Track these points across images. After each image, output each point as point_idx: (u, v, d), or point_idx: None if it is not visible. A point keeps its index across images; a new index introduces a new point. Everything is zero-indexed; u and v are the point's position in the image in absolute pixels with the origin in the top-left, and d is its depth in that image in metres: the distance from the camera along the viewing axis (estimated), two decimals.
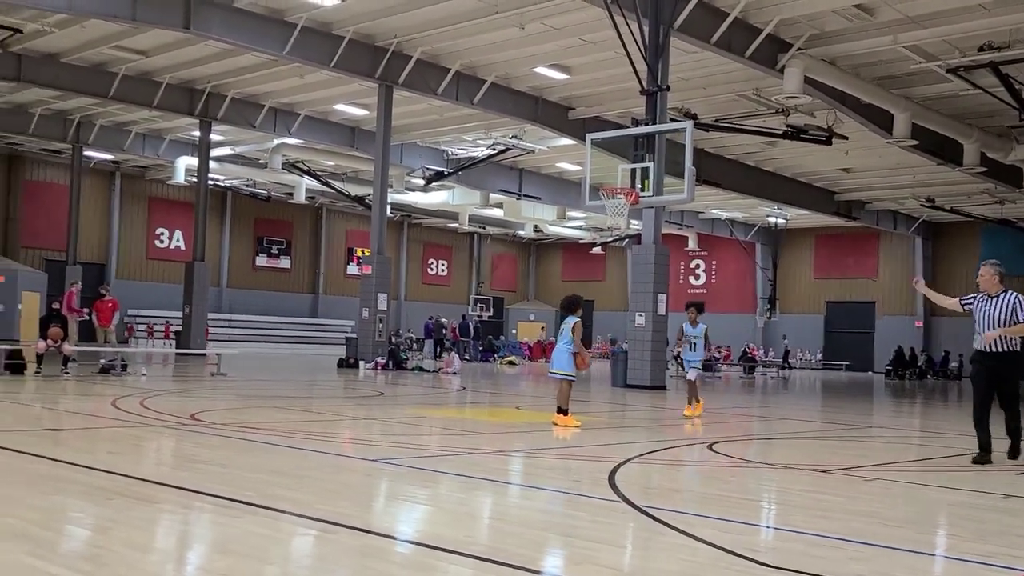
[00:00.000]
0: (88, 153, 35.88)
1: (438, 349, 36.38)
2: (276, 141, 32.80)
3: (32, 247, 39.03)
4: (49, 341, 17.53)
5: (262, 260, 47.13)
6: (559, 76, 24.92)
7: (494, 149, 32.79)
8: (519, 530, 5.27)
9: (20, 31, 22.06)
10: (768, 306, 46.83)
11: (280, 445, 8.39)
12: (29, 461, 6.97)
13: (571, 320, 11.24)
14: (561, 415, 11.06)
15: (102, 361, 18.61)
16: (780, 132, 26.28)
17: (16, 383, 15.41)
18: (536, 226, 49.35)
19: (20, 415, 11.01)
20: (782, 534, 5.56)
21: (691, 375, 13.89)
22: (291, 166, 34.47)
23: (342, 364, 25.96)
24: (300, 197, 39.19)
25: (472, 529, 5.35)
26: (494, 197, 39.65)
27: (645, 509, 5.81)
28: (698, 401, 13.75)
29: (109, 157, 38.36)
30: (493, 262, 57.57)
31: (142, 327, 40.94)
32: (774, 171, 35.22)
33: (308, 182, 37.17)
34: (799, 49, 20.63)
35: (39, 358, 17.55)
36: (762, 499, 6.92)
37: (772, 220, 45.03)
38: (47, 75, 25.96)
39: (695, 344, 13.87)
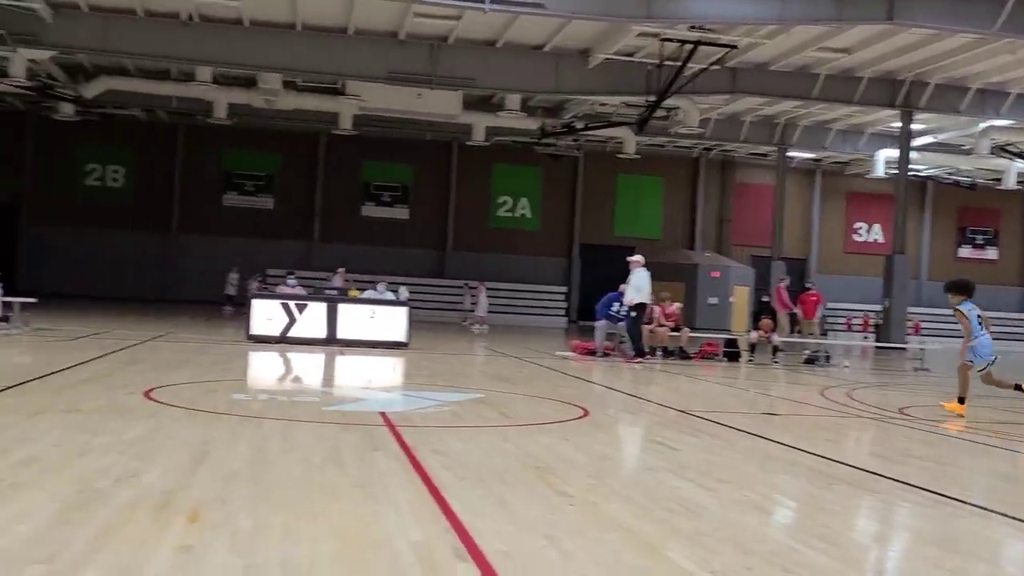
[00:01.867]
0: (791, 153, 37.70)
1: None
2: (983, 125, 30.77)
3: (741, 244, 42.36)
4: (761, 332, 18.91)
5: (965, 251, 44.63)
6: None
7: None
8: None
9: (735, 47, 24.13)
10: None
11: (993, 446, 7.98)
12: (754, 441, 7.71)
13: None
14: None
15: (806, 352, 19.51)
16: None
17: (732, 369, 16.96)
18: None
19: (739, 399, 12.14)
20: None
21: None
22: (1000, 150, 32.02)
23: None
24: (1010, 182, 36.17)
25: None
26: None
27: None
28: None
29: (810, 156, 39.86)
30: None
31: (840, 320, 41.64)
32: None
33: (1020, 165, 34.13)
34: None
35: (752, 347, 19.03)
36: None
37: None
38: (757, 84, 27.95)
39: None
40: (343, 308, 17.33)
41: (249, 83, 29.60)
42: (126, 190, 39.08)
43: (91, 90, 29.67)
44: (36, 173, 38.28)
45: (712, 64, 24.91)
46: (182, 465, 5.27)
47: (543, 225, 41.98)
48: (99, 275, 36.90)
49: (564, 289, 40.24)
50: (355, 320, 17.13)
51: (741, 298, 37.20)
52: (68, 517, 4.02)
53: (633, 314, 16.57)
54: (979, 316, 10.10)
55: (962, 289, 10.23)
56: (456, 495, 4.83)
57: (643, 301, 16.61)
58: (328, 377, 12.14)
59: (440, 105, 29.24)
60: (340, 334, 16.85)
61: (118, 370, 10.52)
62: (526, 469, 5.71)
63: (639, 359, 16.44)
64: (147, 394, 8.35)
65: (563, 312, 39.38)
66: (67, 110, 31.73)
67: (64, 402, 7.61)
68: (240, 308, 29.65)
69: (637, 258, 16.85)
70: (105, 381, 9.36)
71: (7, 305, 16.78)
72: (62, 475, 4.87)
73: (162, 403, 7.84)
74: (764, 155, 40.11)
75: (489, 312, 28.45)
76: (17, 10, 22.32)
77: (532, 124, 32.72)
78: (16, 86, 27.19)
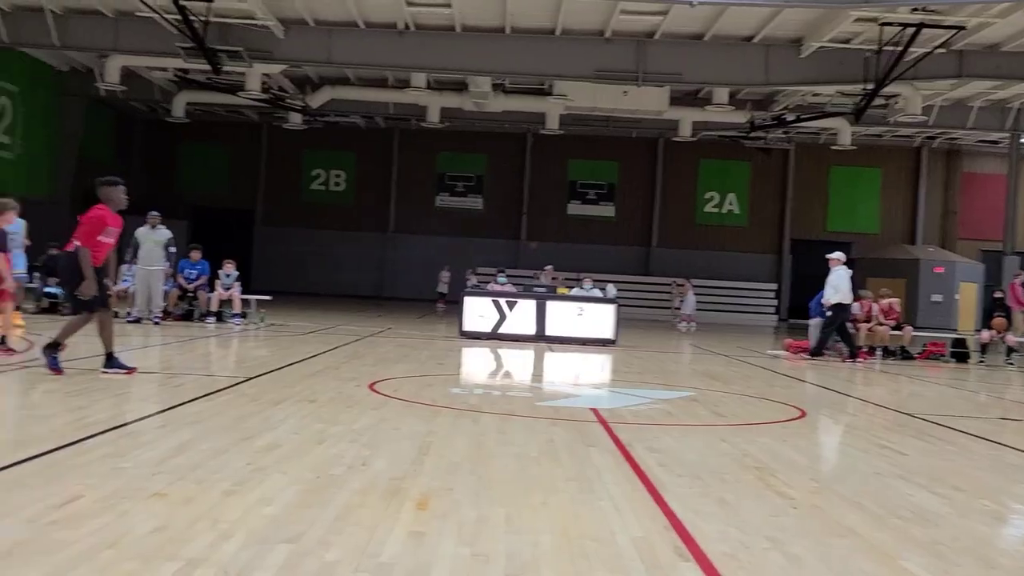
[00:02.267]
0: None
1: None
2: None
3: (969, 238, 39.60)
4: (994, 331, 17.63)
5: None
6: None
7: None
8: None
9: (963, 28, 22.58)
10: None
11: None
12: (989, 447, 7.20)
13: None
14: None
15: None
16: None
17: (960, 371, 15.90)
18: None
19: (969, 402, 11.36)
20: None
21: None
22: None
23: None
24: None
25: None
26: None
27: None
28: None
29: None
30: None
31: None
32: None
33: None
34: None
35: (982, 348, 17.76)
36: None
37: None
38: (987, 66, 26.00)
39: None
40: (552, 305, 17.56)
41: (460, 87, 30.53)
42: (346, 193, 41.27)
43: (316, 100, 31.52)
44: (268, 179, 41.14)
45: (936, 47, 23.41)
46: (408, 455, 5.51)
47: (752, 221, 40.88)
48: (321, 273, 39.20)
49: (774, 286, 39.02)
50: (563, 317, 17.33)
51: (968, 295, 34.81)
52: (308, 500, 4.30)
53: (829, 313, 16.01)
54: None
55: None
56: (674, 493, 4.80)
57: (841, 301, 15.97)
58: (539, 373, 12.35)
59: (646, 102, 29.05)
60: (549, 331, 17.09)
61: (344, 363, 11.12)
62: (744, 470, 5.59)
63: (856, 358, 15.78)
64: (371, 387, 8.79)
65: (773, 310, 38.19)
66: (295, 119, 33.86)
67: (299, 393, 8.13)
68: (452, 305, 30.69)
69: (837, 255, 16.31)
70: (334, 373, 9.92)
71: (245, 302, 18.11)
72: (301, 461, 5.21)
73: (385, 395, 8.22)
74: (995, 142, 37.25)
75: (697, 310, 28.01)
76: (254, 29, 24.06)
77: (740, 118, 31.92)
78: (252, 99, 29.30)
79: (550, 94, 30.26)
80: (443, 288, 32.03)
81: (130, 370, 8.60)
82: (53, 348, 8.12)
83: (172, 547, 3.44)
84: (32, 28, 25.05)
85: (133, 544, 3.46)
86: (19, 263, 13.53)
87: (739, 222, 40.88)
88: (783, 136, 35.74)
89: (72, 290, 8.37)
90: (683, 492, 4.86)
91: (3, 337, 9.78)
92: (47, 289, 16.04)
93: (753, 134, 33.61)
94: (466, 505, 4.36)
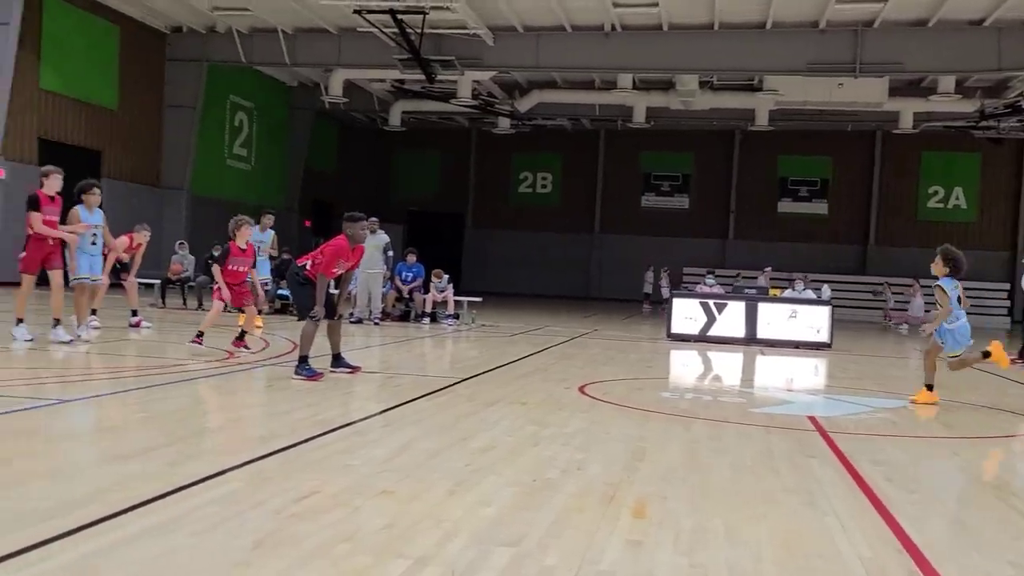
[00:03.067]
0: None
1: None
2: None
3: None
4: None
5: None
6: None
7: None
8: None
9: None
10: None
11: None
12: None
13: None
14: None
15: None
16: None
17: None
18: None
19: None
20: None
21: None
22: None
23: None
24: None
25: None
26: None
27: None
28: None
29: None
30: None
31: None
32: None
33: None
34: None
35: None
36: None
37: None
38: None
39: None
40: (763, 307, 17.08)
41: (667, 86, 30.26)
42: (553, 195, 41.81)
43: (524, 104, 32.13)
44: (477, 183, 42.35)
45: None
46: (621, 460, 5.52)
47: (981, 216, 38.17)
48: (528, 274, 39.91)
49: (1006, 286, 36.23)
50: (775, 319, 16.82)
51: None
52: (525, 503, 4.39)
53: None
54: (959, 296, 8.89)
55: (950, 263, 8.78)
56: (904, 512, 4.56)
57: None
58: (750, 377, 12.04)
59: (863, 93, 27.71)
60: (760, 334, 16.64)
61: (553, 365, 11.27)
62: (981, 487, 5.24)
63: None
64: (581, 389, 8.86)
65: (1005, 311, 35.48)
66: (504, 124, 34.66)
67: (511, 394, 8.32)
68: (656, 306, 30.44)
69: None
70: (543, 375, 10.08)
71: (457, 303, 18.71)
72: (516, 463, 5.33)
73: (595, 398, 8.27)
74: None
75: (926, 311, 26.41)
76: (465, 38, 24.85)
77: (969, 107, 29.88)
78: (464, 106, 30.27)
79: (759, 89, 29.47)
80: (648, 288, 31.86)
81: (354, 369, 9.08)
82: (303, 362, 8.62)
83: (400, 544, 3.61)
84: (266, 48, 26.93)
85: (365, 539, 3.66)
86: (264, 270, 14.90)
87: (967, 218, 38.30)
88: (1018, 124, 33.13)
89: (302, 308, 8.96)
90: (914, 511, 4.60)
91: (243, 332, 10.58)
92: (279, 292, 17.20)
93: (983, 124, 31.39)
94: (682, 514, 4.32)
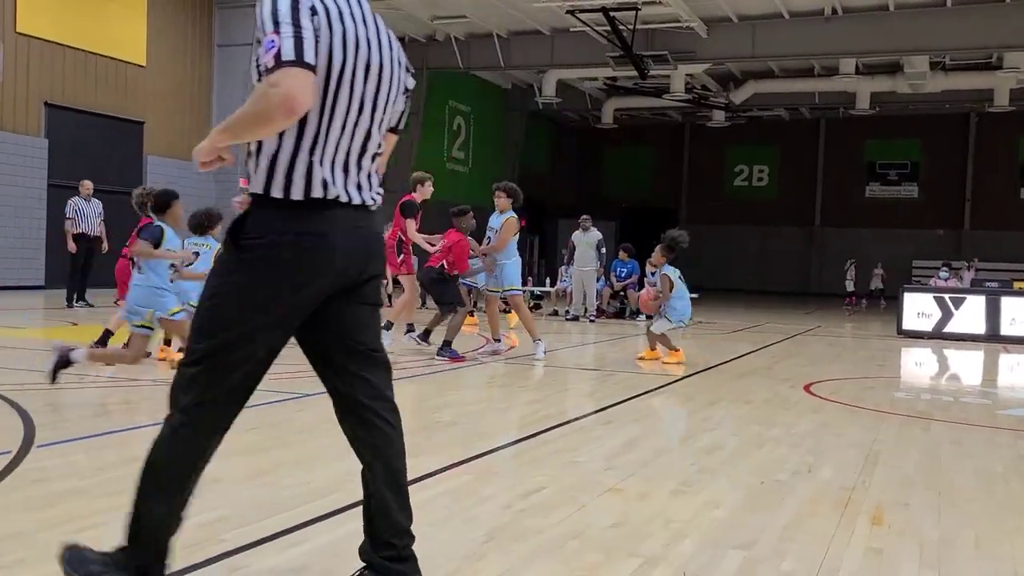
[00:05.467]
0: None
1: None
2: None
3: None
4: None
5: None
6: None
7: None
8: None
9: None
10: None
11: None
12: None
13: None
14: None
15: None
16: None
17: None
18: None
19: None
20: None
21: None
22: None
23: None
24: None
25: None
26: None
27: None
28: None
29: None
30: None
31: None
32: None
33: None
34: None
35: None
36: None
37: None
38: None
39: None
40: (1007, 301, 15.83)
41: (893, 69, 28.63)
42: (770, 187, 40.55)
43: (739, 96, 31.33)
44: (691, 178, 41.72)
45: None
46: (854, 463, 5.27)
47: None
48: (745, 269, 38.88)
49: None
50: (1021, 315, 15.55)
51: None
52: (755, 505, 4.28)
53: None
54: (680, 276, 10.52)
55: (670, 250, 10.28)
56: None
57: None
58: (993, 377, 11.20)
59: None
60: (1003, 330, 15.44)
61: (776, 363, 10.93)
62: None
63: None
64: (807, 388, 8.54)
65: None
66: (718, 117, 33.94)
67: (733, 393, 8.13)
68: (862, 301, 28.82)
69: None
70: (766, 373, 9.79)
71: None
72: (743, 464, 5.20)
73: (822, 398, 7.95)
74: None
75: None
76: (678, 31, 24.54)
77: None
78: (676, 100, 29.88)
79: (998, 68, 27.33)
80: (851, 286, 29.93)
81: (460, 358, 9.60)
82: (447, 346, 9.65)
83: (630, 543, 3.61)
84: (482, 53, 27.68)
85: (595, 536, 3.68)
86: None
87: None
88: None
89: (449, 302, 10.20)
90: None
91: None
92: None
93: None
94: (926, 523, 4.08)
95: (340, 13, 2.66)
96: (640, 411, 7.02)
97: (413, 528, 2.92)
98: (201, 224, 8.28)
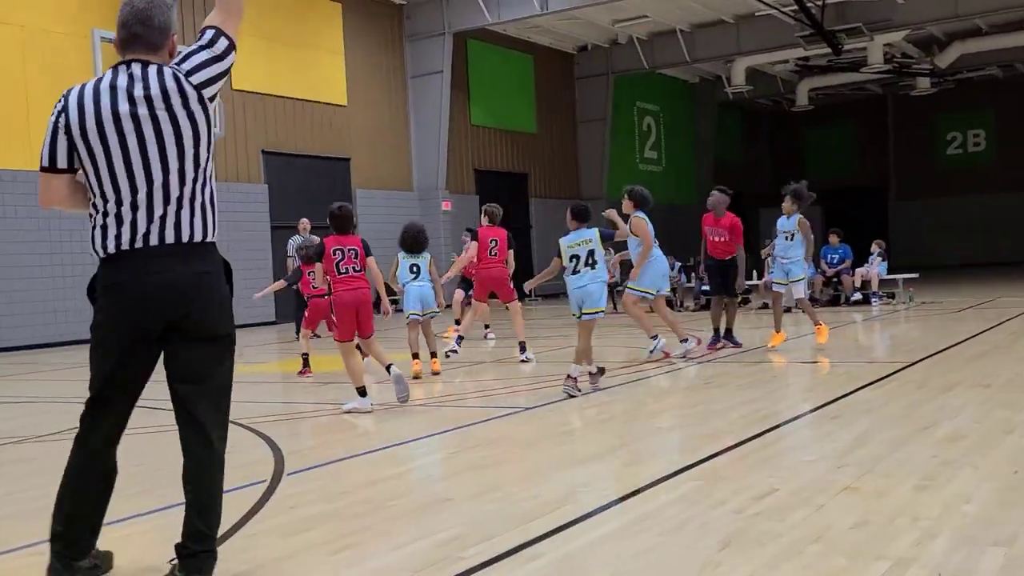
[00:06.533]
0: None
1: None
2: None
3: None
4: None
5: None
6: None
7: None
8: None
9: None
10: None
11: None
12: None
13: None
14: None
15: None
16: None
17: None
18: None
19: None
20: None
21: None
22: None
23: None
24: None
25: None
26: None
27: None
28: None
29: None
30: None
31: None
32: None
33: None
34: None
35: None
36: None
37: None
38: None
39: None
40: None
41: None
42: (986, 153, 37.80)
43: (944, 59, 29.42)
44: (897, 151, 39.52)
45: None
46: None
47: None
48: (964, 243, 36.38)
49: None
50: None
51: None
52: (1011, 498, 3.99)
53: None
54: None
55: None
56: None
57: None
58: None
59: None
60: None
61: (1015, 342, 10.16)
62: None
63: None
64: None
65: None
66: (923, 84, 31.99)
67: (970, 377, 7.62)
68: None
69: None
70: (1005, 353, 9.13)
71: (891, 281, 17.59)
72: (992, 453, 4.86)
73: None
74: None
75: None
76: (871, 0, 23.38)
77: None
78: (875, 72, 28.42)
79: None
80: None
81: (737, 344, 10.44)
82: (725, 334, 10.63)
83: (876, 544, 3.45)
84: (666, 50, 27.42)
85: (837, 539, 3.54)
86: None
87: None
88: None
89: (726, 286, 10.78)
90: None
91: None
92: (703, 288, 17.31)
93: None
94: None
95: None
96: (869, 403, 6.70)
97: (648, 536, 2.90)
98: (418, 241, 9.51)
